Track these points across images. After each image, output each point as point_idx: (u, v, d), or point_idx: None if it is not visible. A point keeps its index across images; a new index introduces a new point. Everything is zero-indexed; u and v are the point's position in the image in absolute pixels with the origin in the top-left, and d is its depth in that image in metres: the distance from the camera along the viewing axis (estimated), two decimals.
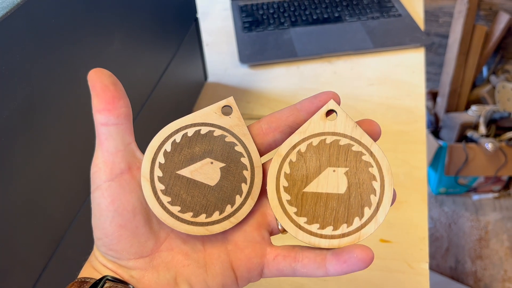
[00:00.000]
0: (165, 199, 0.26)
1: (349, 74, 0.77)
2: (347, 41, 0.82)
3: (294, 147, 0.28)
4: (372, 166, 0.27)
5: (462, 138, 1.46)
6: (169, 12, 0.56)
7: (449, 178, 1.52)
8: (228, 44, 0.86)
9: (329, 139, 0.28)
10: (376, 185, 0.27)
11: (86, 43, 0.38)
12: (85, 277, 0.26)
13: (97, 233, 0.26)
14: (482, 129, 1.41)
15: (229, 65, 0.81)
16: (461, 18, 1.47)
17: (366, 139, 0.27)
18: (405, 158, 0.62)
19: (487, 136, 1.43)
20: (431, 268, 1.42)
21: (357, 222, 0.26)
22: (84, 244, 0.41)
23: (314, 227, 0.26)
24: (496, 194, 1.60)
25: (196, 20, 0.67)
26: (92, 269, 0.27)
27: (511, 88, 1.47)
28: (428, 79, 1.75)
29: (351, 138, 0.28)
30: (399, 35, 0.82)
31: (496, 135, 1.45)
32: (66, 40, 0.35)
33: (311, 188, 0.27)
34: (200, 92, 0.75)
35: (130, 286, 0.25)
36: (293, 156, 0.28)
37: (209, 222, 0.26)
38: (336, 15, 0.88)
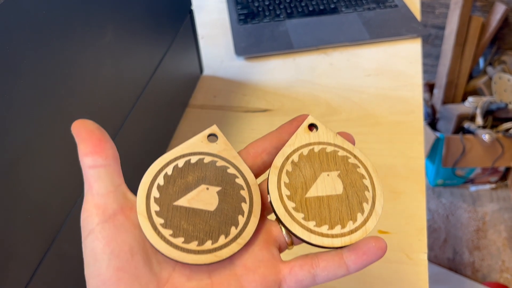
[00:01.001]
0: (167, 233, 0.25)
1: (346, 66, 0.76)
2: (343, 32, 0.81)
3: (287, 158, 0.30)
4: (359, 167, 0.30)
5: (459, 129, 1.47)
6: (163, 4, 0.56)
7: (447, 170, 1.52)
8: (223, 36, 0.85)
9: (317, 148, 0.30)
10: (367, 182, 0.29)
11: (78, 36, 0.37)
12: None
13: (92, 283, 0.24)
14: (479, 120, 1.41)
15: (224, 57, 0.80)
16: (458, 9, 1.46)
17: (348, 145, 0.31)
18: (402, 149, 0.62)
19: (484, 127, 1.43)
20: (429, 259, 1.42)
21: (360, 218, 0.28)
22: (80, 239, 0.40)
23: (324, 229, 0.28)
24: (493, 185, 1.60)
25: (191, 12, 0.66)
26: None
27: (508, 79, 1.47)
28: (425, 71, 1.74)
29: (335, 145, 0.31)
30: (396, 25, 0.82)
31: (493, 126, 1.45)
32: (57, 32, 0.34)
33: (312, 193, 0.29)
34: (196, 85, 0.74)
35: None
36: (288, 167, 0.29)
37: (216, 247, 0.26)
38: (332, 6, 0.87)
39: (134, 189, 0.27)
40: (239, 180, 0.28)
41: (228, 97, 0.71)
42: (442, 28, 1.61)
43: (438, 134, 1.46)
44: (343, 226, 0.28)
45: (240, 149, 0.31)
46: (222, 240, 0.26)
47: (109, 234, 0.24)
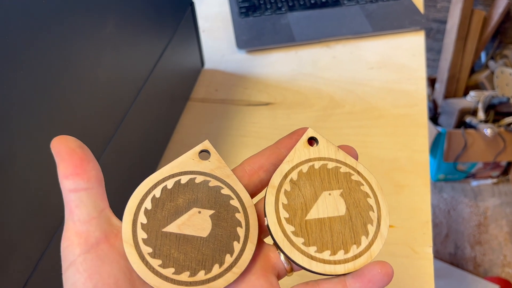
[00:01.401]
0: (155, 263, 0.23)
1: (348, 58, 0.76)
2: (346, 25, 0.80)
3: (285, 176, 0.27)
4: (363, 184, 0.28)
5: (461, 124, 1.46)
6: None
7: (448, 165, 1.51)
8: (225, 29, 0.84)
9: (317, 164, 0.28)
10: (371, 201, 0.27)
11: (78, 26, 0.37)
12: None
13: None
14: (481, 114, 1.41)
15: (226, 51, 0.79)
16: (459, 3, 1.45)
17: (351, 160, 0.28)
18: (406, 142, 0.61)
19: (485, 121, 1.42)
20: None
21: (364, 241, 0.26)
22: None
23: (326, 254, 0.25)
24: (495, 180, 1.60)
25: (192, 5, 0.65)
26: None
27: (510, 73, 1.46)
28: (427, 65, 1.73)
29: (337, 161, 0.28)
30: (399, 18, 0.81)
31: (495, 121, 1.44)
32: (57, 22, 0.33)
33: (312, 215, 0.26)
34: (197, 78, 0.73)
35: None
36: (287, 186, 0.27)
37: (209, 278, 0.24)
38: None
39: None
40: (234, 202, 0.26)
41: (230, 91, 0.71)
42: (443, 22, 1.60)
43: (439, 128, 1.46)
44: (346, 251, 0.25)
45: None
46: (216, 269, 0.24)
47: (91, 266, 0.22)
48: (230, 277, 0.24)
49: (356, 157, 0.29)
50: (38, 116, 0.32)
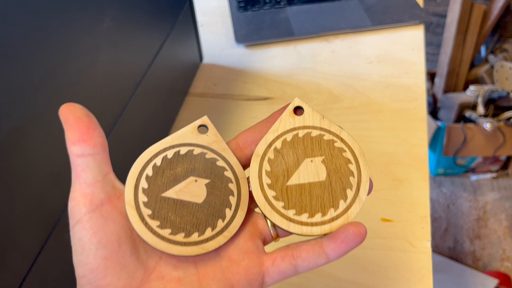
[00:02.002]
0: (154, 224, 0.25)
1: (348, 53, 0.75)
2: (345, 19, 0.80)
3: (270, 145, 0.29)
4: (345, 151, 0.29)
5: (461, 118, 1.46)
6: None
7: (448, 159, 1.52)
8: (223, 24, 0.84)
9: (301, 133, 0.29)
10: (352, 167, 0.28)
11: (76, 21, 0.36)
12: None
13: (80, 270, 0.24)
14: (481, 109, 1.40)
15: (225, 45, 0.79)
16: None
17: (335, 128, 0.29)
18: (405, 136, 0.61)
19: (485, 116, 1.42)
20: None
21: (342, 205, 0.28)
22: None
23: (304, 217, 0.27)
24: (494, 174, 1.60)
25: (190, 0, 0.65)
26: None
27: (510, 67, 1.46)
28: (426, 60, 1.73)
29: (321, 129, 0.29)
30: (398, 12, 0.80)
31: (495, 115, 1.44)
32: (54, 17, 0.33)
33: (293, 180, 0.28)
34: (196, 73, 0.73)
35: None
36: (270, 154, 0.29)
37: (202, 240, 0.26)
38: None
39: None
40: (228, 173, 0.28)
41: (229, 85, 0.71)
42: (443, 16, 1.60)
43: (439, 123, 1.46)
44: (324, 214, 0.27)
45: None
46: (208, 232, 0.26)
47: (96, 224, 0.24)
48: (221, 240, 0.26)
49: None
50: (36, 110, 0.32)
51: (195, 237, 0.26)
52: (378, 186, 0.56)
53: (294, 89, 0.69)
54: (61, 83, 0.35)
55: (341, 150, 0.29)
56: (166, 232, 0.25)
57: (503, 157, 1.55)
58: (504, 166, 1.60)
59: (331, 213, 0.27)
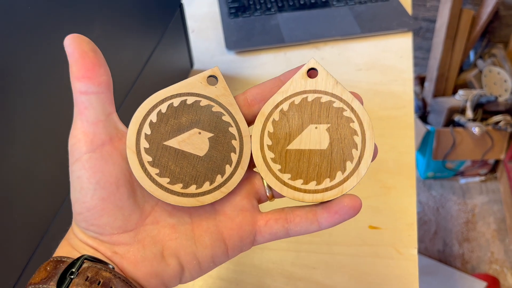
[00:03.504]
0: (153, 171, 0.25)
1: (337, 60, 0.76)
2: (335, 26, 0.81)
3: (276, 106, 0.28)
4: (353, 121, 0.27)
5: (450, 122, 1.47)
6: None
7: (437, 163, 1.53)
8: (214, 30, 0.84)
9: (311, 97, 0.28)
10: (358, 139, 0.27)
11: (64, 32, 0.36)
12: (61, 256, 0.24)
13: (77, 207, 0.24)
14: (469, 113, 1.42)
15: (215, 52, 0.79)
16: (448, 2, 1.46)
17: (347, 96, 0.28)
18: (393, 144, 0.62)
19: (474, 120, 1.44)
20: (420, 251, 1.43)
21: (339, 176, 0.27)
22: None
23: (298, 183, 0.27)
24: (482, 178, 1.62)
25: (181, 6, 0.65)
26: (69, 248, 0.25)
27: (498, 72, 1.48)
28: (416, 64, 1.75)
29: (332, 95, 0.28)
30: (387, 19, 0.81)
31: (483, 119, 1.46)
32: (43, 28, 0.33)
33: (294, 145, 0.28)
34: None
35: (110, 265, 0.24)
36: (276, 115, 0.28)
37: (199, 193, 0.26)
38: (324, 0, 0.86)
39: None
40: (233, 130, 0.28)
41: None
42: (433, 21, 1.61)
43: (429, 127, 1.47)
44: (318, 183, 0.27)
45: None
46: (206, 186, 0.26)
47: (96, 164, 0.24)
48: (218, 195, 0.26)
49: (361, 101, 0.28)
50: (25, 121, 0.32)
51: (192, 189, 0.26)
52: (366, 193, 0.57)
53: None
54: (51, 91, 0.35)
55: (349, 120, 0.28)
56: (164, 181, 0.25)
57: (491, 161, 1.56)
58: (492, 170, 1.62)
59: (326, 183, 0.27)
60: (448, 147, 1.46)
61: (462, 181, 1.62)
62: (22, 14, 0.31)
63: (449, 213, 1.54)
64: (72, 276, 0.23)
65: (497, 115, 1.44)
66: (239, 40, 0.79)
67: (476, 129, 1.38)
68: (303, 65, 0.29)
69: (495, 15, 1.55)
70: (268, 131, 0.28)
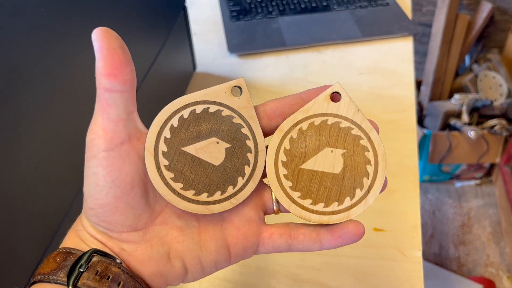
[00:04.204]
0: (168, 175, 0.26)
1: (338, 64, 0.77)
2: (336, 30, 0.81)
3: (296, 124, 0.29)
4: (369, 151, 0.28)
5: (446, 126, 1.48)
6: (158, 0, 0.55)
7: (433, 166, 1.54)
8: (216, 33, 0.84)
9: (331, 121, 0.28)
10: (370, 169, 0.28)
11: (74, 33, 0.37)
12: (70, 248, 0.25)
13: (89, 203, 0.25)
14: (465, 117, 1.43)
15: (217, 54, 0.80)
16: (445, 7, 1.48)
17: (366, 125, 0.28)
18: (396, 147, 0.62)
19: (469, 124, 1.45)
20: None
21: (347, 202, 0.28)
22: None
23: (307, 202, 0.28)
24: (478, 181, 1.63)
25: (184, 9, 0.65)
26: (77, 239, 0.26)
27: (493, 76, 1.49)
28: None
29: (352, 122, 0.28)
30: (387, 24, 0.82)
31: (479, 123, 1.47)
32: (54, 31, 0.33)
33: (308, 165, 0.28)
34: (189, 82, 0.74)
35: (118, 260, 0.25)
36: (294, 133, 0.28)
37: (210, 201, 0.27)
38: (324, 3, 0.87)
39: None
40: (250, 143, 0.28)
41: None
42: (429, 25, 1.63)
43: (425, 131, 1.48)
44: (326, 205, 0.27)
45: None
46: (217, 195, 0.27)
47: (113, 163, 0.24)
48: (227, 205, 0.27)
49: (377, 130, 0.29)
50: (34, 122, 0.32)
51: (203, 197, 0.26)
52: None
53: None
54: (60, 91, 0.35)
55: (364, 148, 0.28)
56: (178, 186, 0.26)
57: (486, 165, 1.58)
58: (488, 173, 1.63)
59: (334, 206, 0.27)
60: (444, 150, 1.48)
61: (458, 184, 1.64)
62: (35, 17, 0.31)
63: (445, 216, 1.55)
64: (81, 269, 0.23)
65: (492, 119, 1.45)
66: (241, 43, 0.79)
67: (472, 133, 1.39)
68: (327, 86, 0.29)
69: (490, 20, 1.57)
70: (285, 148, 0.28)
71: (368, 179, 0.28)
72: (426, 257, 1.44)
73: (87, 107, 0.39)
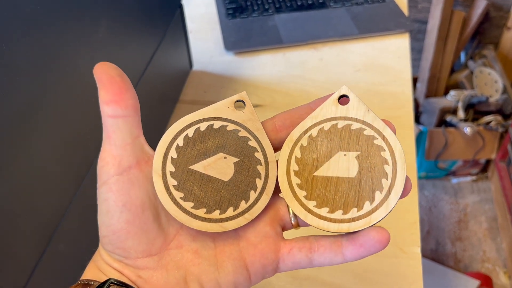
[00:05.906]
0: (178, 195, 0.25)
1: (335, 61, 0.77)
2: (332, 27, 0.81)
3: (305, 131, 0.28)
4: (384, 150, 0.26)
5: (442, 122, 1.49)
6: None
7: (429, 163, 1.55)
8: (212, 31, 0.84)
9: (341, 124, 0.27)
10: (388, 169, 0.26)
11: (72, 31, 0.36)
12: (88, 280, 0.25)
13: (103, 230, 0.25)
14: (461, 113, 1.44)
15: (214, 52, 0.79)
16: (440, 3, 1.48)
17: (379, 123, 0.27)
18: None
19: (465, 120, 1.46)
20: None
21: (367, 207, 0.26)
22: (76, 238, 0.40)
23: (324, 211, 0.26)
24: (474, 177, 1.64)
25: (180, 7, 0.65)
26: (96, 270, 0.26)
27: (488, 72, 1.50)
28: None
29: (363, 123, 0.27)
30: (384, 20, 0.82)
31: (474, 119, 1.48)
32: (51, 28, 0.33)
33: (321, 172, 0.27)
34: (186, 80, 0.73)
35: None
36: (304, 141, 0.27)
37: (223, 218, 0.26)
38: (321, 1, 0.87)
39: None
40: (258, 155, 0.27)
41: (219, 93, 0.71)
42: (424, 22, 1.63)
43: (421, 127, 1.49)
44: (345, 212, 0.26)
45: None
46: (230, 212, 0.26)
47: (123, 187, 0.24)
48: (241, 221, 0.26)
49: (393, 130, 0.27)
50: (30, 120, 0.32)
51: (216, 214, 0.26)
52: None
53: (284, 97, 0.70)
54: (56, 94, 0.35)
55: (379, 148, 0.27)
56: (188, 205, 0.25)
57: (482, 161, 1.59)
58: (484, 169, 1.64)
59: (353, 212, 0.26)
60: (440, 147, 1.48)
61: (454, 180, 1.64)
62: (30, 14, 0.31)
63: (441, 212, 1.56)
64: None
65: (488, 115, 1.46)
66: (238, 41, 0.79)
67: (467, 129, 1.40)
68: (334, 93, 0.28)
69: (486, 17, 1.57)
70: (296, 156, 0.27)
71: (387, 179, 0.26)
72: (423, 254, 1.45)
73: (87, 106, 0.38)
